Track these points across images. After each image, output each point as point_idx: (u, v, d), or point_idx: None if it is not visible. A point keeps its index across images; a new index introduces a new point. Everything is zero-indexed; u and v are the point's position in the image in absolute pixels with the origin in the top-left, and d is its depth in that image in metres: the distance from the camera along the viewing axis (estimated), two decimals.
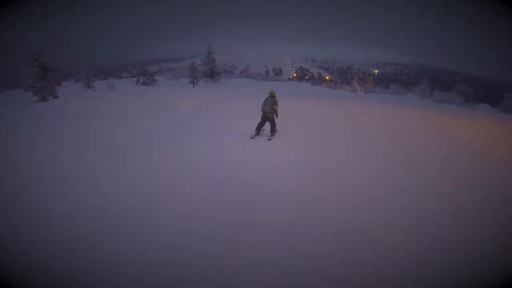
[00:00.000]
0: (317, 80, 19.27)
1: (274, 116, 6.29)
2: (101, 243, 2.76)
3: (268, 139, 6.11)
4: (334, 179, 4.10)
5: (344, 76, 20.37)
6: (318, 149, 5.30)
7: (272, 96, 6.15)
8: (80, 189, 3.82)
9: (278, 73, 19.36)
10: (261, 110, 6.25)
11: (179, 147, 5.38)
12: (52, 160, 4.73)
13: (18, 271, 2.38)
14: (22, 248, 2.65)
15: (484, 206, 3.21)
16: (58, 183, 3.97)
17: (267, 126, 6.42)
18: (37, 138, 5.53)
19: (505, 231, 2.77)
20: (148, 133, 6.13)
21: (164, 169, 4.48)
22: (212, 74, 18.04)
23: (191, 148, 5.35)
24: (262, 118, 6.27)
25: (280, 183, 4.02)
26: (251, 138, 6.18)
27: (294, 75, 18.74)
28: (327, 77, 22.33)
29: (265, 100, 6.18)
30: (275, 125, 6.29)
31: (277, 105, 6.23)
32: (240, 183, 3.99)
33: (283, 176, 4.24)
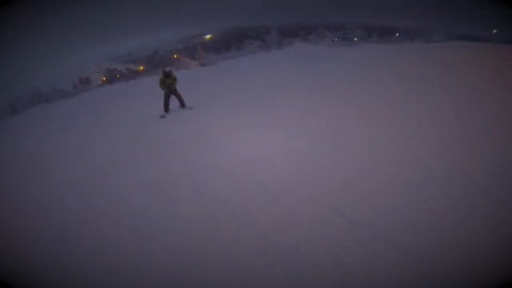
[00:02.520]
0: (130, 75, 19.25)
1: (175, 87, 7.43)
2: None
3: (190, 108, 7.60)
4: None
5: (153, 62, 20.99)
6: None
7: (167, 75, 7.34)
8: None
9: (87, 82, 17.51)
10: (162, 88, 7.43)
11: None
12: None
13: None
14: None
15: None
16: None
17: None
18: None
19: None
20: None
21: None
22: None
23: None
24: (165, 96, 7.47)
25: None
26: (163, 117, 7.43)
27: (104, 79, 17.52)
28: (140, 68, 22.37)
29: (162, 81, 7.36)
30: (181, 97, 7.64)
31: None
32: None
33: None
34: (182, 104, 7.89)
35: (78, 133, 7.70)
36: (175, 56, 19.85)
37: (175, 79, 7.63)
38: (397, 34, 17.88)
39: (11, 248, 2.98)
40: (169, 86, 7.56)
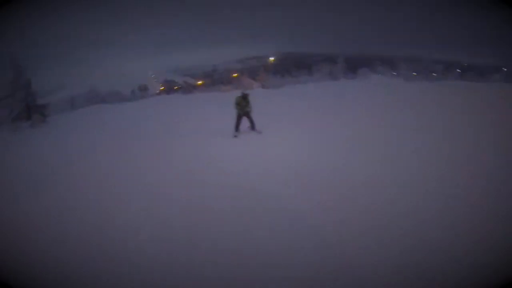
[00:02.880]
0: (188, 88, 18.93)
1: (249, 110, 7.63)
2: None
3: (259, 133, 7.64)
4: None
5: (211, 79, 21.05)
6: None
7: (245, 97, 7.67)
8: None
9: (144, 89, 17.93)
10: (237, 109, 7.64)
11: None
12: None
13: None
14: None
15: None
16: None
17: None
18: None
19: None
20: None
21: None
22: (30, 110, 10.68)
23: None
24: (238, 116, 7.65)
25: None
26: (235, 136, 7.58)
27: (162, 88, 17.72)
28: (199, 82, 22.31)
29: (239, 101, 7.62)
30: (252, 119, 7.74)
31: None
32: None
33: None
34: (253, 127, 7.93)
35: (137, 140, 7.51)
36: (234, 75, 19.18)
37: (248, 103, 7.84)
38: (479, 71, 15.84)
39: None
40: (243, 108, 7.77)
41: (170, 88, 19.07)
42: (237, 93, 8.03)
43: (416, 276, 2.46)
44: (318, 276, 2.55)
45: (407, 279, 2.43)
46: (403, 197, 3.78)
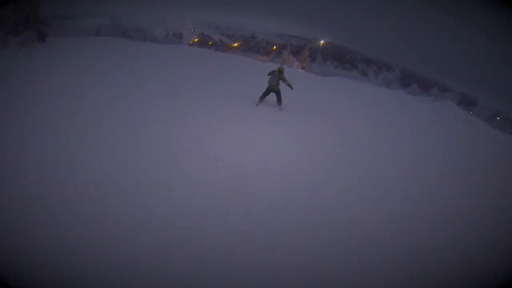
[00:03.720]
0: (221, 47, 18.50)
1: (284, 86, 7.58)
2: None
3: (280, 109, 7.63)
4: None
5: (247, 44, 20.30)
6: None
7: (281, 71, 7.63)
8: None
9: (179, 37, 17.62)
10: (268, 83, 7.57)
11: None
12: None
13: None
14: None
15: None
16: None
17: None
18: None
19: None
20: None
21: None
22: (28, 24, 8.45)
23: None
24: (267, 89, 7.63)
25: None
26: (257, 105, 7.64)
27: (196, 40, 17.26)
28: (234, 44, 21.64)
29: (271, 74, 7.54)
30: (280, 96, 7.69)
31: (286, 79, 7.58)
32: None
33: None
34: (279, 102, 7.87)
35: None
36: (274, 47, 18.49)
37: (285, 79, 7.75)
38: None
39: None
40: (277, 82, 7.69)
41: (204, 42, 18.58)
42: (272, 66, 8.51)
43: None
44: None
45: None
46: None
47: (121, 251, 2.86)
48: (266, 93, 7.85)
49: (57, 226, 3.22)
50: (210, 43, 19.36)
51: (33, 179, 4.02)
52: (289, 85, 7.77)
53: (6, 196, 3.64)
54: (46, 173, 4.15)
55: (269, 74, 7.77)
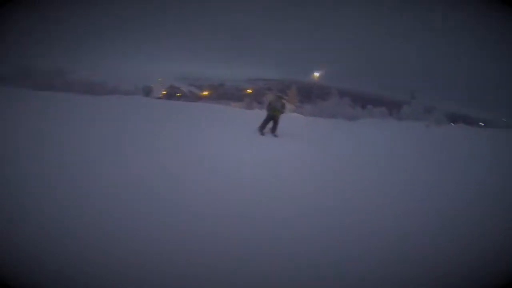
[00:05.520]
0: (190, 98, 18.87)
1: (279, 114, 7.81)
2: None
3: (275, 136, 7.76)
4: None
5: (217, 92, 20.94)
6: None
7: (281, 97, 8.12)
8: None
9: (148, 92, 17.59)
10: (270, 109, 7.74)
11: None
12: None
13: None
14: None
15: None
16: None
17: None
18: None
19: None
20: None
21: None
22: None
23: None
24: (267, 117, 7.78)
25: None
26: (263, 134, 7.73)
27: (164, 93, 17.45)
28: (205, 92, 22.25)
29: (273, 101, 7.83)
30: (277, 123, 7.89)
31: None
32: None
33: None
34: (275, 129, 8.03)
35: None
36: (249, 91, 19.16)
37: (284, 107, 8.04)
38: None
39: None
40: (274, 110, 7.84)
41: (172, 94, 18.93)
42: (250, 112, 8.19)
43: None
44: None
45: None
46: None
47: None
48: (267, 120, 7.98)
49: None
50: (178, 94, 19.80)
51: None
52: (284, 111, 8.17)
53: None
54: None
55: (269, 104, 8.00)
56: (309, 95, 18.51)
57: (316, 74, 18.33)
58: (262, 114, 8.85)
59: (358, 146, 9.05)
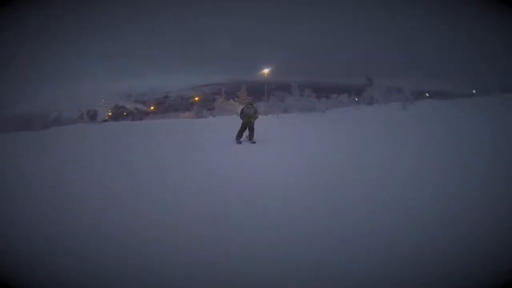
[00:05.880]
0: (138, 115, 19.28)
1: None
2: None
3: (253, 142, 8.00)
4: None
5: (162, 106, 21.27)
6: None
7: (252, 104, 8.27)
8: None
9: (94, 116, 17.00)
10: (243, 117, 7.99)
11: None
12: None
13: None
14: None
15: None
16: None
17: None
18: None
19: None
20: None
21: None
22: None
23: None
24: (243, 125, 8.03)
25: None
26: (239, 143, 7.94)
27: (110, 114, 17.24)
28: (151, 108, 22.61)
29: (245, 108, 8.06)
30: (253, 130, 8.13)
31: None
32: None
33: None
34: (251, 135, 8.24)
35: None
36: (196, 98, 19.74)
37: (256, 112, 8.26)
38: None
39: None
40: (254, 114, 8.15)
41: (119, 114, 19.11)
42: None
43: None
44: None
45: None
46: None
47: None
48: (243, 128, 8.08)
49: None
50: (125, 113, 19.93)
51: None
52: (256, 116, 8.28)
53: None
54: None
55: (241, 111, 8.10)
56: (267, 92, 18.24)
57: (266, 71, 18.19)
58: (216, 121, 9.64)
59: (343, 136, 8.98)
